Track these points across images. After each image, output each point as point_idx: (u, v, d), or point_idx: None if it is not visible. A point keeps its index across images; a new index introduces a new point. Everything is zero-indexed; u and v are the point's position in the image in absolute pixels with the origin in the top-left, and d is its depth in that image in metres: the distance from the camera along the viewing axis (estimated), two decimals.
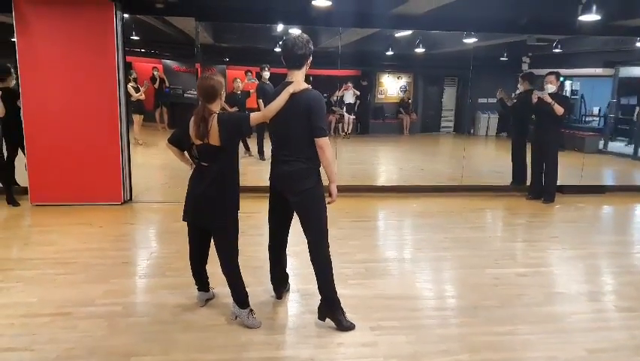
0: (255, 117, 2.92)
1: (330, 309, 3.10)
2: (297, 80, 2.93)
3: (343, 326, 3.07)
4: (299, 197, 3.02)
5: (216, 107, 2.95)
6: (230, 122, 2.90)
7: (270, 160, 3.15)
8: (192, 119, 2.93)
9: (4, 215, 5.41)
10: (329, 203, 3.07)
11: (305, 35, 2.96)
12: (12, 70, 5.46)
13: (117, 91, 5.54)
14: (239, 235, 3.10)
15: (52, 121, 5.47)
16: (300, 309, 3.36)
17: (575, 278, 4.08)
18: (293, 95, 2.87)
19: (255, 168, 7.69)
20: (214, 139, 2.87)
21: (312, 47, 2.98)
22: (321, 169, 3.04)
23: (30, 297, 3.38)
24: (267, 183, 3.19)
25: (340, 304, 3.11)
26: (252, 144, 8.54)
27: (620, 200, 6.92)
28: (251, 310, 3.11)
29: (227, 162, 2.97)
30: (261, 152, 8.36)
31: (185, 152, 3.14)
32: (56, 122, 5.48)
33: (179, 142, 3.11)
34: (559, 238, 5.09)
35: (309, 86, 2.95)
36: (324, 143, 2.90)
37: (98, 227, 4.98)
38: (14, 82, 5.49)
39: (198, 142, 2.92)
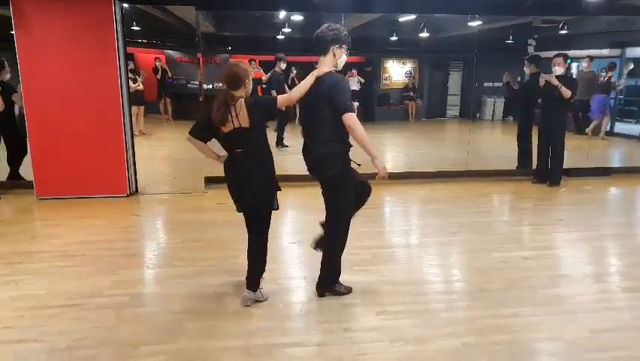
0: (281, 100, 3.01)
1: (329, 285, 3.28)
2: (322, 65, 3.03)
3: (343, 293, 3.32)
4: (324, 183, 3.13)
5: (241, 93, 3.00)
6: (258, 104, 2.99)
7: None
8: (214, 105, 2.96)
9: (11, 210, 5.46)
10: (379, 179, 3.09)
11: (335, 24, 3.04)
12: (5, 63, 5.45)
13: (119, 82, 5.54)
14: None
15: (54, 115, 5.49)
16: (308, 296, 3.37)
17: (579, 260, 4.07)
18: (317, 79, 2.96)
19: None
20: (244, 121, 2.94)
21: (340, 34, 3.02)
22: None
23: (39, 289, 3.43)
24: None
25: (338, 278, 3.30)
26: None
27: (626, 181, 6.87)
28: (260, 288, 3.26)
29: (258, 142, 3.05)
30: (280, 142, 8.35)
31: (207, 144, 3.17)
32: (59, 115, 5.49)
33: (201, 132, 3.10)
34: (564, 221, 5.07)
35: (333, 70, 3.02)
36: (349, 119, 2.90)
37: (104, 219, 5.02)
38: (9, 75, 5.49)
39: (227, 129, 2.96)
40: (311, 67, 3.14)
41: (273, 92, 7.67)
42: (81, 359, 2.64)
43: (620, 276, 3.80)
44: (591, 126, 8.78)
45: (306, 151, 3.16)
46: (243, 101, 2.94)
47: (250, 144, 3.01)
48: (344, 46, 3.04)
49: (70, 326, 2.95)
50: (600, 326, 2.97)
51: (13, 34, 5.28)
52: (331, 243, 3.21)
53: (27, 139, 5.53)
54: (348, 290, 3.34)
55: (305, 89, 2.97)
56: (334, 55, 3.02)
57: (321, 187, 3.18)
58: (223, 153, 3.14)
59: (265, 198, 3.12)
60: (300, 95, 2.99)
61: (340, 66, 3.12)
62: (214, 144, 3.14)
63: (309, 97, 2.99)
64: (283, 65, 7.92)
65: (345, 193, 3.12)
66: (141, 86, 8.91)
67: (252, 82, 3.06)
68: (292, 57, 8.65)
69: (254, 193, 3.08)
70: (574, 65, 9.72)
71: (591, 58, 8.46)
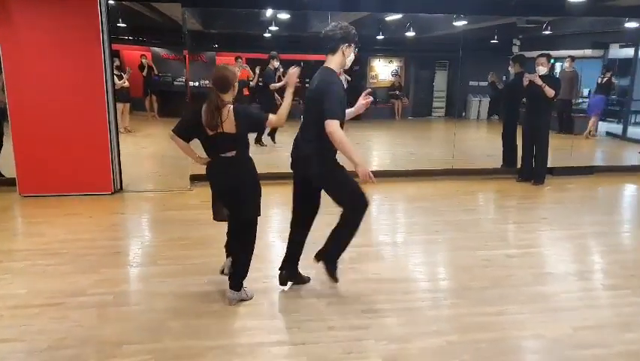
0: (271, 121, 3.08)
1: (330, 260, 3.28)
2: (325, 66, 3.05)
3: (334, 271, 3.29)
4: (316, 180, 3.11)
5: (229, 97, 2.99)
6: (248, 117, 3.01)
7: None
8: (204, 107, 2.93)
9: None
10: (362, 184, 3.06)
11: (344, 23, 3.05)
12: None
13: (104, 79, 5.46)
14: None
15: (38, 111, 5.38)
16: (293, 294, 3.37)
17: (563, 258, 4.12)
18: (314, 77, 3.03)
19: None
20: (229, 128, 2.92)
21: (349, 32, 3.02)
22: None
23: (20, 288, 3.36)
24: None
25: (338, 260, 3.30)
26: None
27: (608, 180, 6.98)
28: (243, 287, 3.22)
29: (240, 147, 3.04)
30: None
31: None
32: (43, 112, 5.39)
33: (185, 132, 3.06)
34: (548, 219, 5.12)
35: (340, 69, 3.07)
36: (330, 126, 2.88)
37: (87, 217, 4.95)
38: None
39: (212, 132, 2.93)
40: (298, 64, 3.15)
41: (271, 85, 7.83)
42: (62, 359, 2.60)
43: (602, 274, 3.86)
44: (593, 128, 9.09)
45: (295, 147, 3.17)
46: (232, 108, 2.93)
47: (232, 148, 3.01)
48: (352, 44, 3.04)
49: (52, 326, 2.90)
50: (582, 324, 3.01)
51: None
52: (348, 228, 3.20)
53: (3, 135, 5.43)
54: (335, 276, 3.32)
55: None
56: (343, 53, 3.03)
57: (312, 186, 3.17)
58: (204, 154, 3.12)
59: (251, 201, 3.10)
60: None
61: (348, 65, 3.13)
62: (197, 146, 3.11)
63: (307, 94, 3.04)
64: (276, 63, 8.02)
65: (341, 183, 3.10)
66: (127, 83, 8.79)
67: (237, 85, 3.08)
68: (280, 55, 8.66)
69: (241, 197, 3.07)
70: (557, 65, 9.86)
71: (572, 58, 8.61)
